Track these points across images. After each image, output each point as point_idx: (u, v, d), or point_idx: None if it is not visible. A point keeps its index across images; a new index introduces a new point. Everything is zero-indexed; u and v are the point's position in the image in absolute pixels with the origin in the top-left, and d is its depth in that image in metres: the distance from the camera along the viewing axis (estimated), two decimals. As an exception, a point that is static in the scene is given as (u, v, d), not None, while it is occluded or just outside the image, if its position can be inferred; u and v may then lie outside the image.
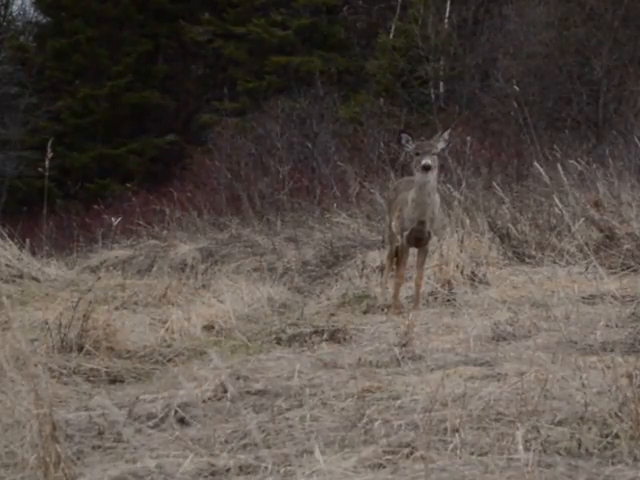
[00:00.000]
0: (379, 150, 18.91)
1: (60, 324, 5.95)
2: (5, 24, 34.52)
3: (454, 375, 4.71)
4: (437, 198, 7.30)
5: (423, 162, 6.98)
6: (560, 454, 3.55)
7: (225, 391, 4.64)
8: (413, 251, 7.68)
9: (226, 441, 3.93)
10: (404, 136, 7.24)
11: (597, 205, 9.83)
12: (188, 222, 16.24)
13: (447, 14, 25.59)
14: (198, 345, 6.39)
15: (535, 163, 9.89)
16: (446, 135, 7.21)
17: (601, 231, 8.93)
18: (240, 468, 3.59)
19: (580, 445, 3.62)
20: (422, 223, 7.24)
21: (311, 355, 5.71)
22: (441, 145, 7.17)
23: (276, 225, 14.80)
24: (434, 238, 7.66)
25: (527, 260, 8.80)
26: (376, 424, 3.92)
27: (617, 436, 3.62)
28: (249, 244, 13.13)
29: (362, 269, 9.11)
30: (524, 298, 7.04)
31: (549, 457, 3.49)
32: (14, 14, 35.51)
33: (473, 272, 7.96)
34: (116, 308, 6.99)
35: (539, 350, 5.07)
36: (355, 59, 28.86)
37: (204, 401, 4.58)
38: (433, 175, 7.12)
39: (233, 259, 12.16)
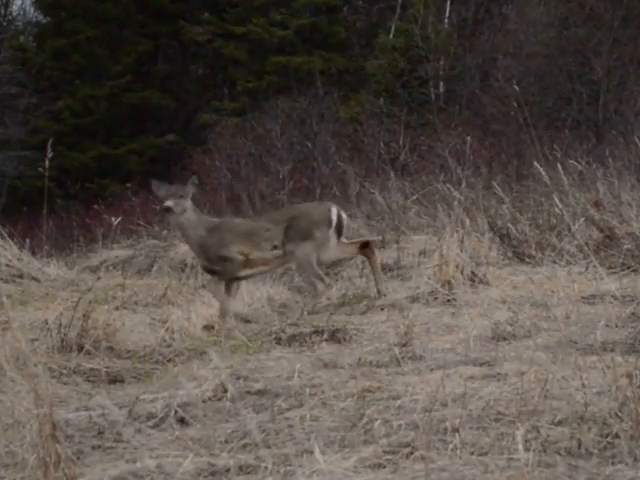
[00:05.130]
0: (379, 150, 18.90)
1: (60, 324, 5.94)
2: (5, 24, 34.56)
3: (454, 375, 4.72)
4: (198, 235, 7.55)
5: (165, 204, 7.48)
6: (560, 454, 3.55)
7: (225, 391, 4.65)
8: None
9: (226, 441, 3.93)
10: (154, 183, 7.64)
11: (597, 205, 9.80)
12: (188, 222, 16.16)
13: (447, 14, 25.60)
14: (198, 345, 6.38)
15: (535, 163, 9.89)
16: (195, 180, 7.69)
17: (601, 231, 8.91)
18: (240, 468, 3.59)
19: (580, 445, 3.61)
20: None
21: (311, 355, 5.71)
22: (190, 189, 7.57)
23: (276, 225, 14.76)
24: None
25: (527, 260, 8.78)
26: (376, 424, 3.92)
27: (617, 436, 3.62)
28: (249, 244, 13.09)
29: (362, 269, 9.10)
30: (524, 298, 7.02)
31: (549, 457, 3.49)
32: (14, 14, 35.63)
33: (473, 272, 7.94)
34: (116, 308, 6.97)
35: (539, 350, 5.07)
36: (355, 59, 28.87)
37: (204, 401, 4.58)
38: (176, 217, 7.53)
39: (233, 259, 12.12)
